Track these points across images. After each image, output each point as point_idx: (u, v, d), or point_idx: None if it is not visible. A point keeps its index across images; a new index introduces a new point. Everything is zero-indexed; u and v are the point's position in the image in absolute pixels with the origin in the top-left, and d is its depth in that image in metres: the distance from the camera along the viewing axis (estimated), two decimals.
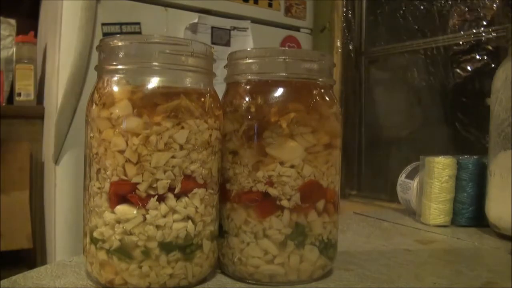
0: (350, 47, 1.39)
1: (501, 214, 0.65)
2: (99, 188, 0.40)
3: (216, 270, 0.46)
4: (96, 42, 0.62)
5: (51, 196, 1.07)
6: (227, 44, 1.23)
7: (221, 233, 0.45)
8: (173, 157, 0.40)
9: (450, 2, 1.15)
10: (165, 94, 0.41)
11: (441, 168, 0.71)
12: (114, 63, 0.41)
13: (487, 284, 0.46)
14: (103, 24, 1.05)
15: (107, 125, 0.40)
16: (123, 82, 0.41)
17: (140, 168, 0.39)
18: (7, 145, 1.14)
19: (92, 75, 0.66)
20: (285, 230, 0.43)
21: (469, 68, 1.10)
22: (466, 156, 0.74)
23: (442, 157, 0.72)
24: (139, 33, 1.08)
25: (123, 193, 0.39)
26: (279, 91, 0.44)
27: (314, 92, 0.45)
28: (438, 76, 1.17)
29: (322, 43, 1.43)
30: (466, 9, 1.08)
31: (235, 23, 1.25)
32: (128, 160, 0.39)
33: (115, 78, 0.41)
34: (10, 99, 1.21)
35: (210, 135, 0.42)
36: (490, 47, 1.05)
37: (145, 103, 0.40)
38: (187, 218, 0.41)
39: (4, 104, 1.20)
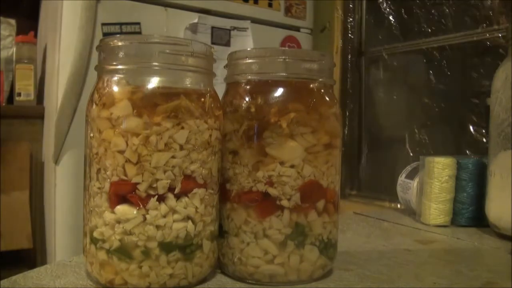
0: (350, 47, 1.39)
1: (501, 214, 0.65)
2: (99, 188, 0.41)
3: (216, 270, 0.46)
4: (96, 42, 0.62)
5: (51, 196, 1.07)
6: (227, 44, 1.23)
7: (221, 233, 0.45)
8: (173, 157, 0.40)
9: (450, 2, 1.15)
10: (165, 94, 0.41)
11: (441, 168, 0.71)
12: (114, 63, 0.41)
13: (487, 284, 0.46)
14: (103, 24, 1.05)
15: (107, 125, 0.40)
16: (123, 82, 0.41)
17: (140, 168, 0.39)
18: (7, 145, 1.14)
19: (92, 75, 0.66)
20: (285, 230, 0.43)
21: (469, 68, 1.10)
22: (468, 154, 0.74)
23: (442, 157, 0.72)
24: (139, 33, 1.08)
25: (123, 193, 0.39)
26: (279, 91, 0.44)
27: (314, 92, 0.45)
28: (438, 76, 1.17)
29: (322, 43, 1.43)
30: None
31: (235, 23, 1.25)
32: (128, 160, 0.39)
33: (115, 78, 0.41)
34: (10, 99, 1.21)
35: (210, 135, 0.42)
36: (490, 47, 1.05)
37: (145, 103, 0.40)
38: (187, 218, 0.41)
39: (4, 104, 1.20)
